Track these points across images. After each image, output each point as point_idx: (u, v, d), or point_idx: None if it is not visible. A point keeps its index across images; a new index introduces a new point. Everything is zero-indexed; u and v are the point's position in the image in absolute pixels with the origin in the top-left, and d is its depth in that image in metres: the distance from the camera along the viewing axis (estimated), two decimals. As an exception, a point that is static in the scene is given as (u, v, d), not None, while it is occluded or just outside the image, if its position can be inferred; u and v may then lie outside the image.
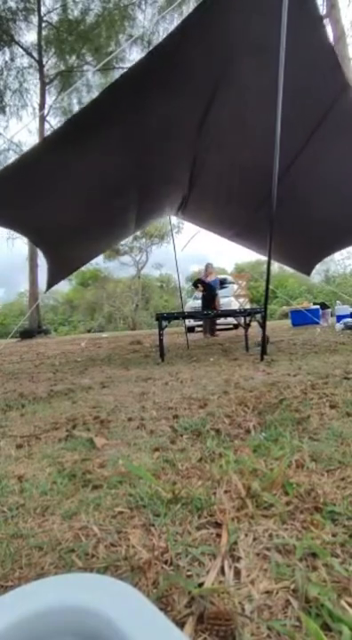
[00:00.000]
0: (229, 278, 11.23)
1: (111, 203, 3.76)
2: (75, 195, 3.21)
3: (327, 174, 3.71)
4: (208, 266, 7.02)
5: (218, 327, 7.66)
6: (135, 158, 3.28)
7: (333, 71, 2.91)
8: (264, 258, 3.04)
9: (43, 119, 13.92)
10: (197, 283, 6.87)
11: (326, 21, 7.42)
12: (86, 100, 15.29)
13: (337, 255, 28.17)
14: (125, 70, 2.46)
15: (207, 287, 6.68)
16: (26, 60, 14.47)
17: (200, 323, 7.81)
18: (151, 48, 2.43)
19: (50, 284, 4.31)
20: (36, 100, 14.87)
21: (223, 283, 9.17)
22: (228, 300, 9.39)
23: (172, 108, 2.96)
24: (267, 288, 3.01)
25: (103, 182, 3.28)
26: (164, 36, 2.42)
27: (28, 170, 2.60)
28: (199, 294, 7.22)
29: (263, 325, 3.13)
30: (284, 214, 3.66)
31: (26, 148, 15.28)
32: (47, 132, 14.17)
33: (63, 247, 3.97)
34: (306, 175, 3.75)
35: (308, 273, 5.85)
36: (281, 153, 2.69)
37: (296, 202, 3.99)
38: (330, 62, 2.88)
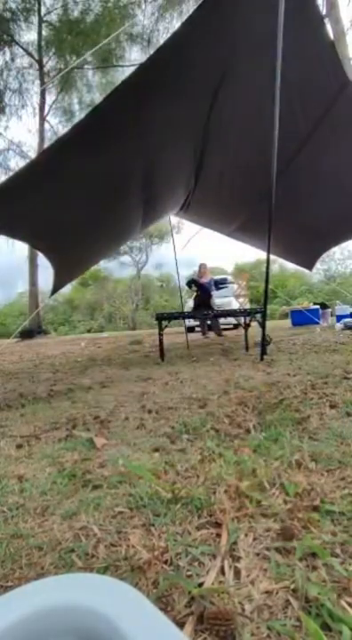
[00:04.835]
0: (229, 278, 11.22)
1: (117, 206, 3.75)
2: (79, 199, 3.20)
3: (328, 169, 3.72)
4: (202, 266, 6.89)
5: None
6: (140, 160, 3.28)
7: (334, 68, 2.92)
8: (264, 257, 3.05)
9: (43, 119, 13.93)
10: (191, 283, 6.75)
11: (326, 21, 7.41)
12: (86, 99, 15.31)
13: (337, 254, 28.26)
14: (129, 74, 2.45)
15: (201, 288, 6.57)
16: (26, 60, 14.49)
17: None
18: (152, 49, 2.43)
19: (55, 289, 4.30)
20: (36, 99, 14.90)
21: (218, 283, 9.10)
22: (229, 300, 9.38)
23: (177, 109, 2.96)
24: (266, 287, 3.01)
25: (108, 186, 3.28)
26: (166, 38, 2.42)
27: (32, 178, 2.60)
28: None
29: (263, 325, 3.13)
30: (286, 208, 3.67)
31: (26, 148, 15.37)
32: (47, 133, 14.20)
33: (69, 252, 3.97)
34: (307, 170, 3.76)
35: (310, 267, 5.83)
36: (282, 148, 2.69)
37: (297, 196, 4.00)
38: (331, 60, 2.88)
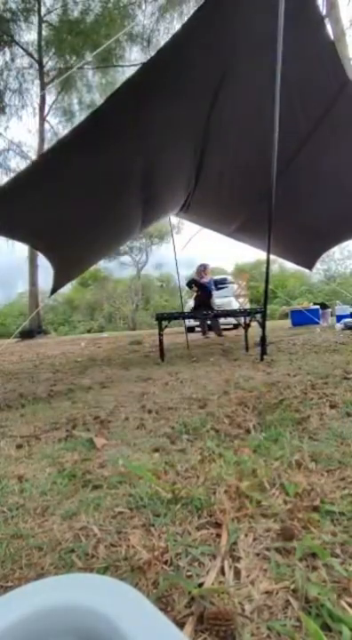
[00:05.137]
0: (229, 278, 11.23)
1: (116, 205, 3.76)
2: (79, 199, 3.21)
3: (328, 169, 3.73)
4: (203, 266, 6.84)
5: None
6: (140, 160, 3.28)
7: (334, 68, 2.92)
8: (264, 257, 3.05)
9: (43, 119, 13.93)
10: (192, 283, 6.71)
11: (326, 21, 7.41)
12: (86, 99, 15.33)
13: (337, 254, 28.28)
14: (130, 75, 2.45)
15: (202, 288, 6.55)
16: (26, 60, 14.50)
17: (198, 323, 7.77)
18: (152, 49, 2.43)
19: (55, 289, 4.30)
20: (36, 100, 14.91)
21: (218, 283, 9.10)
22: (229, 300, 9.39)
23: (177, 109, 2.96)
24: (266, 287, 3.01)
25: (108, 186, 3.28)
26: (168, 39, 2.42)
27: (31, 178, 2.60)
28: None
29: (263, 325, 3.13)
30: (286, 208, 3.67)
31: (26, 148, 15.38)
32: (47, 133, 14.21)
33: (69, 252, 3.97)
34: (307, 170, 3.77)
35: (311, 267, 5.83)
36: (282, 148, 2.70)
37: (297, 196, 4.01)
38: (331, 60, 2.89)
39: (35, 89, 14.89)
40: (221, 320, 6.80)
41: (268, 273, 2.93)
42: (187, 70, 2.61)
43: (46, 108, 14.36)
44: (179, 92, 2.79)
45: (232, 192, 4.38)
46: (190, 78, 2.72)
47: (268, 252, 2.94)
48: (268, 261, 2.96)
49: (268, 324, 3.44)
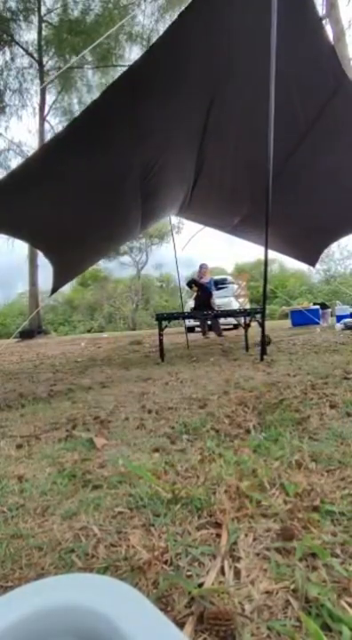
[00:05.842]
0: (229, 278, 11.23)
1: (116, 205, 3.76)
2: (78, 198, 3.21)
3: (328, 165, 3.74)
4: (202, 266, 6.91)
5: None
6: (139, 159, 3.28)
7: (333, 68, 2.93)
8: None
9: (43, 119, 13.93)
10: (191, 283, 6.76)
11: (326, 21, 7.41)
12: (86, 99, 15.32)
13: (337, 254, 28.26)
14: (125, 70, 2.45)
15: (202, 288, 6.59)
16: (26, 60, 14.49)
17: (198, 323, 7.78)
18: (150, 46, 2.43)
19: (55, 288, 4.31)
20: (36, 99, 14.90)
21: (218, 283, 9.13)
22: (229, 299, 9.39)
23: (176, 106, 2.96)
24: (264, 287, 3.01)
25: (107, 185, 3.28)
26: (162, 33, 2.41)
27: (29, 176, 2.59)
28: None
29: (262, 325, 3.12)
30: (287, 205, 3.67)
31: (26, 148, 15.37)
32: (47, 133, 14.20)
33: (68, 252, 3.98)
34: (307, 167, 3.78)
35: (313, 264, 5.83)
36: (282, 145, 2.70)
37: (297, 192, 4.02)
38: (329, 59, 2.89)
39: (35, 88, 14.90)
40: (221, 320, 6.80)
41: (266, 272, 2.93)
42: (185, 62, 2.60)
43: (46, 108, 14.36)
44: (178, 87, 2.79)
45: (233, 189, 4.39)
46: (189, 72, 2.71)
47: (266, 251, 2.94)
48: (265, 260, 2.96)
49: (268, 324, 3.44)
